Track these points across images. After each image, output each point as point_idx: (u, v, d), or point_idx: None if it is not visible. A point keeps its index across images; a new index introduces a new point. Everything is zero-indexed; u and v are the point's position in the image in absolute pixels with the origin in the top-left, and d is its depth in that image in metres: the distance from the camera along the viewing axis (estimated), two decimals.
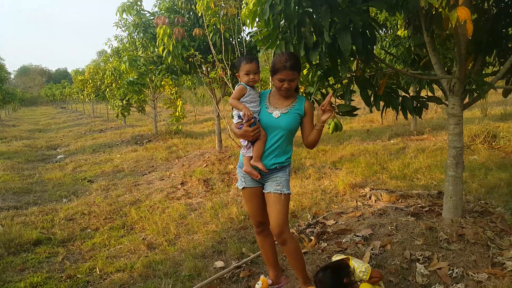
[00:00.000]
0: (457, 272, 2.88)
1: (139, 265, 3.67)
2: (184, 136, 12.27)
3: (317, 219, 4.34)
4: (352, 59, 3.63)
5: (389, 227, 3.69)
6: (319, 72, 3.83)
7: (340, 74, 3.61)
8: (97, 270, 3.70)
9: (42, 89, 60.02)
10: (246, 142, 2.75)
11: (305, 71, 4.29)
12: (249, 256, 3.61)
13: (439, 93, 9.92)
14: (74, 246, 4.33)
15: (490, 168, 5.84)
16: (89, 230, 4.80)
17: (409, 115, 3.81)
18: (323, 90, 4.18)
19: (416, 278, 2.90)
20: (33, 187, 7.25)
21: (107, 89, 14.61)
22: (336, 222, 4.17)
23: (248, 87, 2.74)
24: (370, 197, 4.81)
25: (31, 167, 9.33)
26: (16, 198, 6.47)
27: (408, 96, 3.81)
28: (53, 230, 4.81)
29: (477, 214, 3.80)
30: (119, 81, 12.98)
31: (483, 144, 7.32)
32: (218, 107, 8.42)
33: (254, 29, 4.24)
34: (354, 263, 2.71)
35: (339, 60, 3.39)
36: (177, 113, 11.89)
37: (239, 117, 2.71)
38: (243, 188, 2.93)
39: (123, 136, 13.95)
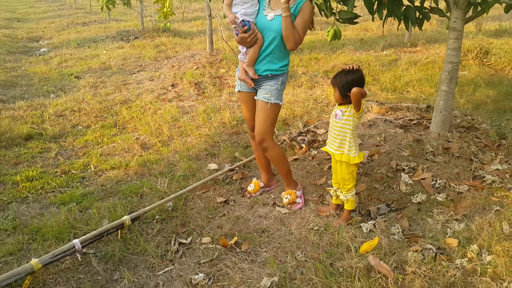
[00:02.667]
0: (439, 183, 3.06)
1: (134, 164, 3.79)
2: (172, 34, 11.79)
3: (308, 127, 4.43)
4: None
5: (378, 138, 3.81)
6: None
7: None
8: (92, 166, 3.80)
9: None
10: (245, 49, 2.68)
11: None
12: (242, 160, 3.74)
13: (442, 5, 9.56)
14: (66, 143, 4.39)
15: (479, 84, 5.90)
16: (80, 127, 4.84)
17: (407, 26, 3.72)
18: None
19: (400, 187, 3.09)
20: (18, 80, 7.08)
21: None
22: (326, 131, 4.27)
23: None
24: None
25: (14, 59, 9.00)
26: (1, 91, 6.35)
27: (412, 6, 3.67)
28: (43, 125, 4.82)
29: (463, 129, 3.93)
30: None
31: (474, 60, 7.28)
32: (210, 5, 8.00)
33: None
34: None
35: None
36: (165, 9, 11.26)
37: (243, 24, 2.60)
38: (239, 91, 2.93)
39: (107, 31, 13.32)
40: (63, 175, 3.65)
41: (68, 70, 7.89)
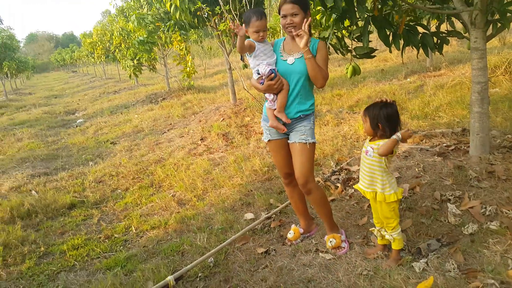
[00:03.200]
0: (490, 210, 2.89)
1: (172, 221, 3.81)
2: (197, 91, 12.23)
3: (341, 165, 4.37)
4: None
5: (416, 169, 3.69)
6: (334, 16, 3.70)
7: (357, 15, 3.49)
8: (133, 228, 3.85)
9: (52, 55, 59.99)
10: (272, 95, 2.73)
11: (318, 16, 4.15)
12: (278, 206, 3.70)
13: (458, 26, 9.53)
14: (107, 207, 4.50)
15: None
16: (120, 191, 4.96)
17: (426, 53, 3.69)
18: (339, 34, 4.06)
19: (448, 219, 2.93)
20: (59, 152, 7.43)
21: (117, 50, 14.47)
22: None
23: (256, 43, 2.68)
24: None
25: (54, 133, 9.52)
26: (45, 164, 6.67)
27: (428, 32, 3.67)
28: (85, 193, 4.98)
29: (506, 150, 3.75)
30: (128, 41, 12.81)
31: (504, 76, 7.10)
32: (229, 59, 8.29)
33: None
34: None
35: (355, 1, 3.25)
36: (187, 68, 11.77)
37: (258, 73, 2.67)
38: (269, 140, 2.94)
39: (137, 96, 13.98)
40: (106, 240, 3.71)
41: (103, 137, 8.24)
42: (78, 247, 3.61)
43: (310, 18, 2.62)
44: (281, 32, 7.97)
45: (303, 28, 2.54)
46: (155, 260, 3.17)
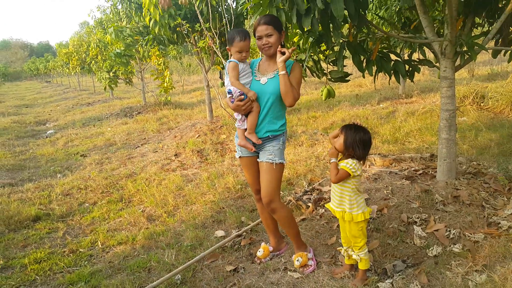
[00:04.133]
0: (454, 233, 2.97)
1: (141, 237, 3.74)
2: (173, 107, 12.19)
3: (313, 185, 4.41)
4: (343, 24, 3.59)
5: (385, 191, 3.77)
6: (311, 39, 3.80)
7: (332, 40, 3.59)
8: (99, 243, 3.75)
9: (25, 64, 58.61)
10: (240, 115, 2.77)
11: (296, 38, 4.24)
12: (249, 224, 3.69)
13: (428, 56, 9.93)
14: (73, 221, 4.37)
15: (480, 129, 5.93)
16: (87, 205, 4.83)
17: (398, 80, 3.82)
18: (315, 57, 4.15)
19: (414, 241, 3.00)
20: (26, 163, 7.20)
21: (93, 62, 14.31)
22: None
23: (239, 63, 2.73)
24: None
25: (22, 143, 9.23)
26: (10, 175, 6.44)
27: (400, 60, 3.81)
28: (51, 205, 4.82)
29: (471, 176, 3.89)
30: (105, 53, 12.71)
31: (472, 105, 7.41)
32: (207, 76, 8.33)
33: None
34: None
35: (331, 26, 3.35)
36: (165, 83, 11.74)
37: (229, 92, 2.71)
38: (240, 157, 2.96)
39: (111, 108, 13.79)
40: (71, 255, 3.59)
41: (74, 149, 8.05)
42: (41, 261, 3.47)
43: (295, 46, 2.72)
44: (260, 53, 8.10)
45: (288, 50, 2.61)
46: (121, 276, 3.08)
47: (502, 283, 2.34)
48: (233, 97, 2.69)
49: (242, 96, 2.68)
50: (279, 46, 2.66)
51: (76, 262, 3.45)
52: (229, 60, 2.78)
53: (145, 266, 3.20)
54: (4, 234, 4.07)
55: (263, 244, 3.15)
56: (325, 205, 2.78)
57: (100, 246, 3.71)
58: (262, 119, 2.76)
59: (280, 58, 2.62)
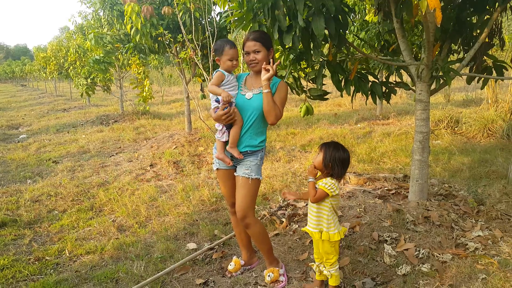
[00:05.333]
0: (423, 252, 3.01)
1: (110, 247, 3.64)
2: (151, 117, 12.08)
3: (288, 201, 4.41)
4: (324, 43, 3.66)
5: (358, 209, 3.81)
6: (291, 56, 3.85)
7: (312, 58, 3.65)
8: (66, 252, 3.64)
9: (0, 66, 57.11)
10: (221, 127, 2.75)
11: (277, 54, 4.30)
12: (222, 238, 3.65)
13: (406, 79, 10.21)
14: (41, 228, 4.23)
15: (453, 152, 6.10)
16: (56, 212, 4.69)
17: (374, 101, 3.91)
18: (295, 74, 4.21)
19: (384, 259, 3.02)
20: None
21: (71, 67, 14.08)
22: (306, 204, 4.26)
23: (226, 74, 2.72)
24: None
25: None
26: None
27: (377, 81, 3.90)
28: (18, 212, 4.66)
29: (442, 197, 3.98)
30: (84, 59, 12.54)
31: (446, 129, 7.62)
32: (187, 88, 8.31)
33: (226, 8, 4.20)
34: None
35: (312, 44, 3.41)
36: (144, 93, 11.63)
37: (216, 101, 2.70)
38: (217, 169, 2.94)
39: (87, 116, 13.56)
40: (36, 262, 3.47)
41: (46, 155, 7.84)
42: (4, 268, 3.34)
43: (279, 60, 2.73)
44: (243, 67, 8.15)
45: (272, 67, 2.61)
46: (87, 286, 3.00)
47: None
48: (218, 106, 2.69)
49: (226, 105, 2.66)
50: (265, 63, 2.66)
51: (41, 270, 3.33)
52: (217, 70, 2.77)
53: (113, 277, 3.12)
54: None
55: (234, 258, 3.12)
56: (301, 229, 2.77)
57: (67, 254, 3.59)
58: (243, 134, 2.75)
59: (264, 76, 2.62)
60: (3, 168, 6.93)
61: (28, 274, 3.23)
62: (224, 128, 2.75)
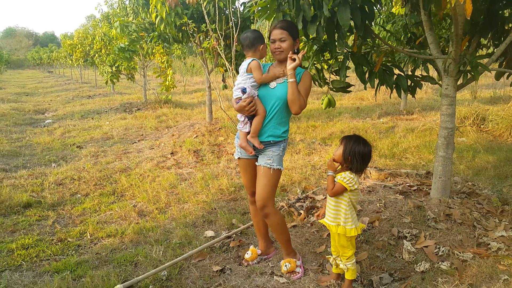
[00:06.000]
0: (443, 250, 2.96)
1: (130, 232, 3.71)
2: (173, 106, 12.19)
3: (307, 193, 4.40)
4: (349, 34, 3.60)
5: (378, 204, 3.77)
6: (315, 47, 3.81)
7: (337, 49, 3.60)
8: (88, 234, 3.73)
9: (29, 52, 58.52)
10: (243, 117, 2.75)
11: (301, 45, 4.26)
12: (239, 227, 3.67)
13: (433, 73, 9.98)
14: (64, 211, 4.34)
15: (478, 150, 5.95)
16: (79, 195, 4.81)
17: (399, 94, 3.83)
18: (318, 65, 4.17)
19: (403, 255, 2.98)
20: (22, 150, 7.17)
21: (96, 55, 14.32)
22: (325, 197, 4.24)
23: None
24: None
25: (19, 130, 9.21)
26: (5, 160, 6.41)
27: (403, 74, 3.82)
28: (43, 194, 4.80)
29: (465, 195, 3.89)
30: (109, 47, 12.72)
31: (472, 127, 7.43)
32: (209, 78, 8.34)
33: None
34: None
35: (336, 35, 3.37)
36: (167, 82, 11.74)
37: (243, 91, 2.68)
38: (239, 158, 2.95)
39: (111, 103, 13.78)
40: (59, 243, 3.57)
41: (70, 140, 8.03)
42: (28, 247, 3.45)
43: (304, 50, 2.72)
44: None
45: (298, 57, 2.61)
46: (107, 268, 3.06)
47: None
48: (242, 97, 2.68)
49: (251, 98, 2.66)
50: (290, 53, 2.65)
51: (63, 251, 3.42)
52: (251, 59, 2.75)
53: (132, 260, 3.18)
54: None
55: (251, 247, 3.14)
56: (319, 221, 2.77)
57: (88, 237, 3.68)
58: (266, 123, 2.74)
59: (290, 65, 2.61)
60: (30, 151, 7.14)
61: (51, 254, 3.33)
62: (246, 118, 2.75)
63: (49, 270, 3.06)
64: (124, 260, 3.18)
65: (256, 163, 2.86)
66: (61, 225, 3.98)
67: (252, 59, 2.74)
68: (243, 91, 2.68)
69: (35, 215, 4.19)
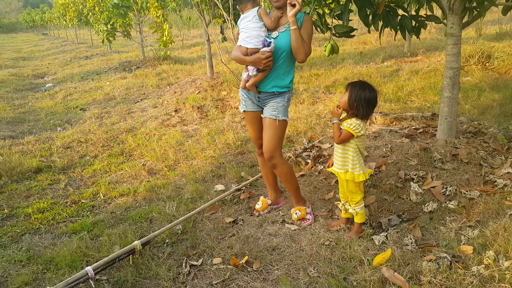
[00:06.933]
0: (450, 190, 3.01)
1: (142, 190, 3.80)
2: (173, 62, 12.00)
3: (313, 143, 4.43)
4: None
5: (384, 149, 3.79)
6: None
7: None
8: (101, 195, 3.81)
9: (21, 15, 57.02)
10: (255, 71, 2.66)
11: None
12: (248, 179, 3.73)
13: (437, 12, 9.66)
14: (75, 173, 4.42)
15: (483, 89, 5.88)
16: (88, 158, 4.87)
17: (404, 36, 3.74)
18: (319, 10, 4.04)
19: (410, 196, 3.04)
20: (26, 116, 7.19)
21: (90, 13, 13.93)
22: (331, 146, 4.26)
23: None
24: None
25: (21, 96, 9.18)
26: (10, 127, 6.45)
27: (407, 15, 3.71)
28: (52, 158, 4.86)
29: (471, 135, 3.90)
30: (102, 4, 12.35)
31: (477, 65, 7.29)
32: (207, 31, 8.14)
33: None
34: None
35: None
36: (164, 37, 11.47)
37: (265, 44, 2.56)
38: (244, 111, 2.95)
39: (110, 62, 13.59)
40: (73, 205, 3.66)
41: (73, 103, 8.01)
42: (44, 210, 3.55)
43: None
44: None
45: (298, 2, 2.50)
46: (123, 226, 3.16)
47: (493, 238, 2.40)
48: (263, 49, 2.57)
49: (270, 53, 2.58)
50: None
51: (78, 212, 3.52)
52: (257, 7, 2.66)
53: (147, 217, 3.27)
54: (7, 185, 4.12)
55: (261, 197, 3.21)
56: (327, 169, 2.80)
57: (102, 197, 3.77)
58: (270, 74, 2.70)
59: (291, 12, 2.52)
60: (34, 117, 7.15)
61: (66, 216, 3.43)
62: (257, 72, 2.68)
63: (67, 231, 3.16)
64: (139, 217, 3.27)
65: (261, 115, 2.85)
66: (73, 188, 4.06)
67: (258, 7, 2.66)
68: (267, 43, 2.57)
69: (46, 179, 4.26)
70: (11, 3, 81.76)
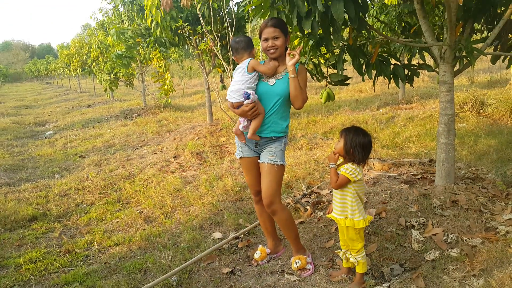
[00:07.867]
0: (451, 237, 2.95)
1: (137, 238, 3.72)
2: (173, 109, 12.19)
3: (312, 189, 4.40)
4: (344, 27, 3.59)
5: (383, 195, 3.76)
6: (311, 42, 3.80)
7: (333, 43, 3.59)
8: (95, 244, 3.73)
9: (26, 65, 58.61)
10: (246, 121, 2.74)
11: (296, 41, 4.25)
12: (247, 226, 3.67)
13: (429, 61, 9.93)
14: (70, 221, 4.35)
15: (479, 135, 5.93)
16: (84, 205, 4.81)
17: (397, 84, 3.82)
18: (315, 60, 4.16)
19: (412, 244, 2.98)
20: (25, 163, 7.19)
21: (94, 63, 14.33)
22: (330, 192, 4.23)
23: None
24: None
25: (21, 143, 9.22)
26: (8, 175, 6.42)
27: (399, 64, 3.81)
28: (48, 206, 4.80)
29: (469, 181, 3.88)
30: (106, 55, 12.73)
31: (471, 112, 7.40)
32: (208, 79, 8.33)
33: None
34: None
35: (331, 29, 3.36)
36: (165, 86, 11.74)
37: (247, 97, 2.64)
38: (241, 157, 2.96)
39: (111, 110, 13.80)
40: (66, 255, 3.57)
41: (73, 150, 8.04)
42: (36, 260, 3.45)
43: (301, 46, 2.75)
44: (261, 55, 8.11)
45: (297, 52, 2.64)
46: (116, 277, 3.06)
47: None
48: (245, 102, 2.66)
49: (254, 104, 2.66)
50: (289, 49, 2.70)
51: (71, 262, 3.42)
52: (249, 59, 2.76)
53: (141, 267, 3.18)
54: (0, 234, 4.04)
55: (260, 246, 3.13)
56: (327, 216, 2.77)
57: (96, 246, 3.69)
58: (267, 119, 2.75)
59: (290, 62, 2.65)
60: (32, 164, 7.15)
61: (59, 266, 3.33)
62: (248, 122, 2.74)
63: (58, 283, 3.06)
64: (133, 267, 3.18)
65: (258, 160, 2.86)
66: (68, 237, 3.98)
67: (250, 58, 2.75)
68: (246, 96, 2.66)
69: (41, 228, 4.19)
70: (18, 54, 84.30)
